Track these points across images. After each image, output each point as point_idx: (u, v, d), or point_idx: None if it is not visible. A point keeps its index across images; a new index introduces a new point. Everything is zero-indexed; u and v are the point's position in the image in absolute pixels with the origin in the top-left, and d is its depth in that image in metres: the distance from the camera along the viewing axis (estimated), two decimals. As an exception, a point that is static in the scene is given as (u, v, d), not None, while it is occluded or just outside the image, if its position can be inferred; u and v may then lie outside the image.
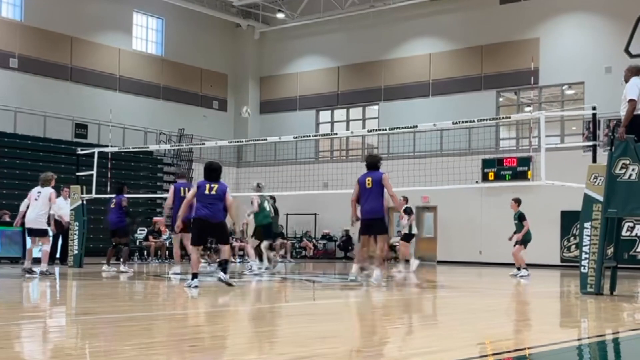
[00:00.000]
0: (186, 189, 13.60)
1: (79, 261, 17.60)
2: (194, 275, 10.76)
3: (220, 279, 10.85)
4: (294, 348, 5.60)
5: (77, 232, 17.77)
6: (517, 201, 16.83)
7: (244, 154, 31.87)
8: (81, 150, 19.71)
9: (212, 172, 11.04)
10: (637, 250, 22.82)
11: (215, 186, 10.84)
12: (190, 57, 31.85)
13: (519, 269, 16.66)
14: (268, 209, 15.78)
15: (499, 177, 24.71)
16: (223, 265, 11.04)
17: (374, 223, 11.89)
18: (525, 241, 16.61)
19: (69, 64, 27.93)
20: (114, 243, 16.10)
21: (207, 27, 32.34)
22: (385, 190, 11.80)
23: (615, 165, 10.48)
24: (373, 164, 12.09)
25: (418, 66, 29.21)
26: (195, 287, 10.51)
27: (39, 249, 14.16)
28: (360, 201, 11.97)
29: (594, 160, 11.36)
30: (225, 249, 11.17)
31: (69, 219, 18.08)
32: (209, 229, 10.88)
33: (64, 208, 18.21)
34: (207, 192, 10.79)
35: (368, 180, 11.83)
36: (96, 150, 18.90)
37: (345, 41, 31.13)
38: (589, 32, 25.66)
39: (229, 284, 10.85)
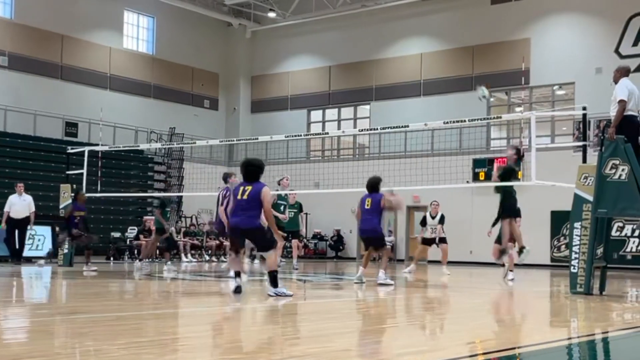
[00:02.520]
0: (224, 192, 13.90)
1: (69, 260, 17.55)
2: (236, 274, 9.74)
3: (269, 295, 9.44)
4: (285, 347, 5.60)
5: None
6: (517, 151, 14.27)
7: (235, 154, 31.80)
8: (71, 148, 19.65)
9: (248, 172, 9.79)
10: (627, 250, 22.92)
11: (249, 189, 9.56)
12: (182, 56, 31.79)
13: (522, 249, 13.60)
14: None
15: (489, 177, 24.74)
16: (270, 277, 9.53)
17: (371, 240, 12.79)
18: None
19: (60, 62, 27.83)
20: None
21: (198, 25, 32.28)
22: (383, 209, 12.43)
23: (605, 166, 10.51)
24: (372, 185, 12.58)
25: (409, 66, 29.24)
26: (238, 286, 9.52)
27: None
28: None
29: (584, 161, 11.40)
30: (268, 258, 9.64)
31: (22, 215, 18.09)
32: (241, 235, 9.91)
33: (16, 204, 18.16)
34: (239, 196, 9.61)
35: (368, 202, 12.44)
36: (86, 149, 18.85)
37: (337, 41, 31.12)
38: (580, 33, 25.75)
39: (284, 295, 9.43)
